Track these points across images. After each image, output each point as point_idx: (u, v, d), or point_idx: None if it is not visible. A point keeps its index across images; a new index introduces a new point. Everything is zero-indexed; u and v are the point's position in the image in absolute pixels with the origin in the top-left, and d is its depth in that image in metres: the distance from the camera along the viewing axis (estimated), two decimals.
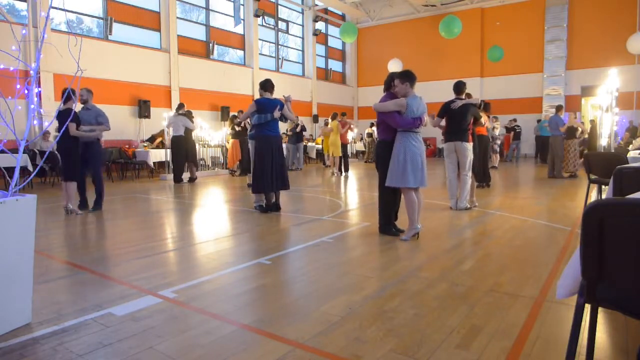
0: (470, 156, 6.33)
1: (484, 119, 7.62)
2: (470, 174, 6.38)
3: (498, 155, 14.58)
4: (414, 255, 4.04)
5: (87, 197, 6.59)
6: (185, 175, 10.94)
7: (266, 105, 6.16)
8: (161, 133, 12.88)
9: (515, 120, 17.49)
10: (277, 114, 6.17)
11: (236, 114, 12.66)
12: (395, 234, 4.78)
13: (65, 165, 6.23)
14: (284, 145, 14.75)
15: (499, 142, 14.89)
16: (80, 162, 6.29)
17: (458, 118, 6.24)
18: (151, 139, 13.14)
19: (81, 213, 6.30)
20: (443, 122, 6.43)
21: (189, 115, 10.93)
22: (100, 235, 5.15)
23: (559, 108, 10.88)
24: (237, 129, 12.02)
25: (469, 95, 6.68)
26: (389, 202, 4.83)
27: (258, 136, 6.26)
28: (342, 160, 12.60)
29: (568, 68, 19.11)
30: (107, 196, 8.38)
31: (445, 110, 6.32)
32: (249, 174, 8.17)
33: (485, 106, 8.95)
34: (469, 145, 6.31)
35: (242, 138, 12.18)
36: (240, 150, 12.20)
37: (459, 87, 6.43)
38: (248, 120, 8.14)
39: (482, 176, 8.47)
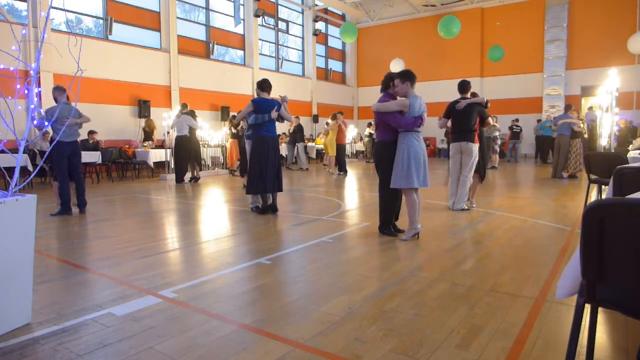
0: (475, 157, 6.21)
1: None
2: (471, 175, 6.28)
3: (497, 156, 14.56)
4: (414, 255, 4.04)
5: (84, 198, 6.57)
6: (187, 175, 10.93)
7: (263, 105, 6.08)
8: (148, 119, 13.11)
9: (517, 120, 17.48)
10: (274, 114, 6.09)
11: (236, 114, 12.66)
12: (395, 234, 4.78)
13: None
14: (283, 145, 14.89)
15: (499, 142, 14.87)
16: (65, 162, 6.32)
17: (463, 118, 6.12)
18: (147, 135, 13.25)
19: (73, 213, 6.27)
20: (449, 123, 6.34)
21: (192, 114, 10.92)
22: (101, 235, 5.14)
23: (568, 107, 10.85)
24: (234, 130, 12.04)
25: (474, 95, 6.51)
26: (389, 202, 4.82)
27: (254, 137, 6.15)
28: (337, 160, 12.72)
29: (568, 68, 19.11)
30: (108, 196, 8.41)
31: (450, 110, 6.25)
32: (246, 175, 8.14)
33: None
34: (475, 146, 6.17)
35: (240, 138, 12.21)
36: (238, 150, 12.23)
37: (464, 87, 6.30)
38: (243, 121, 8.07)
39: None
